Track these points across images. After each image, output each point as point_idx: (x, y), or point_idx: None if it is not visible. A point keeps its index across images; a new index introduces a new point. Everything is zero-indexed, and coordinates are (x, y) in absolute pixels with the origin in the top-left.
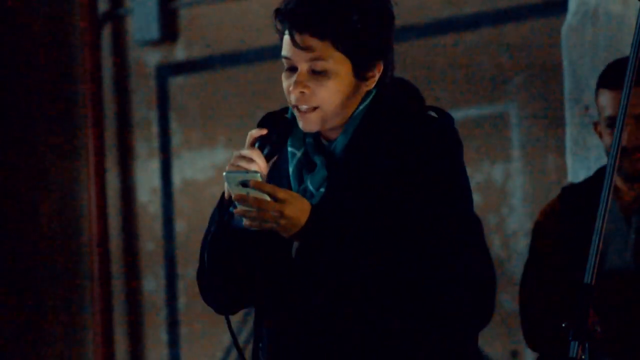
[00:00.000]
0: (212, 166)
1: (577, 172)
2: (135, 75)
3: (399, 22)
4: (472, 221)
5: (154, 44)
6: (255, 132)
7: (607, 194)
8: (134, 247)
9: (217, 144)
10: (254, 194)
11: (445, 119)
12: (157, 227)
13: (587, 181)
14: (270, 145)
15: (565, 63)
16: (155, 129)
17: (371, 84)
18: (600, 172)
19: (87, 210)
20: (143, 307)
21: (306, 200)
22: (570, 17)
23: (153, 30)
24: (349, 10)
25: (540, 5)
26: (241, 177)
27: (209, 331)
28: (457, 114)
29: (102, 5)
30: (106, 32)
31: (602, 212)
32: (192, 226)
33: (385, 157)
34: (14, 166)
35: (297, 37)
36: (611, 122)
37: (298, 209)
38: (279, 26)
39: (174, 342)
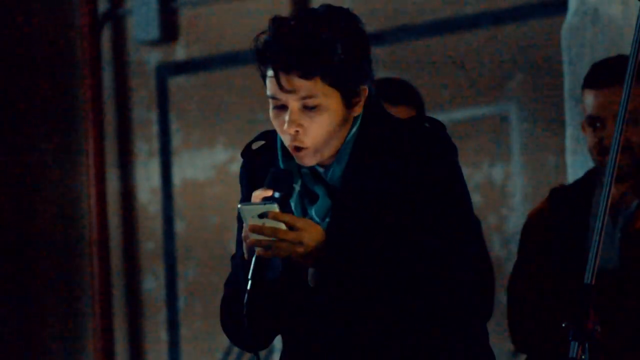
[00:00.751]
0: (212, 166)
1: (577, 172)
2: (135, 75)
3: (399, 22)
4: (472, 223)
5: (154, 44)
6: (260, 194)
7: (607, 193)
8: (134, 247)
9: (217, 144)
10: (270, 224)
11: (435, 126)
12: (157, 227)
13: (577, 183)
14: (277, 202)
15: (565, 63)
16: (155, 129)
17: (358, 110)
18: (589, 174)
19: (87, 210)
20: (143, 307)
21: (319, 227)
22: (570, 17)
23: (153, 30)
24: (333, 44)
25: (540, 5)
26: (258, 209)
27: (209, 331)
28: (457, 114)
29: (102, 5)
30: (106, 32)
31: (602, 212)
32: (192, 226)
33: (382, 176)
34: (14, 166)
35: (285, 79)
36: (592, 121)
37: (314, 236)
38: (262, 68)
39: (174, 342)
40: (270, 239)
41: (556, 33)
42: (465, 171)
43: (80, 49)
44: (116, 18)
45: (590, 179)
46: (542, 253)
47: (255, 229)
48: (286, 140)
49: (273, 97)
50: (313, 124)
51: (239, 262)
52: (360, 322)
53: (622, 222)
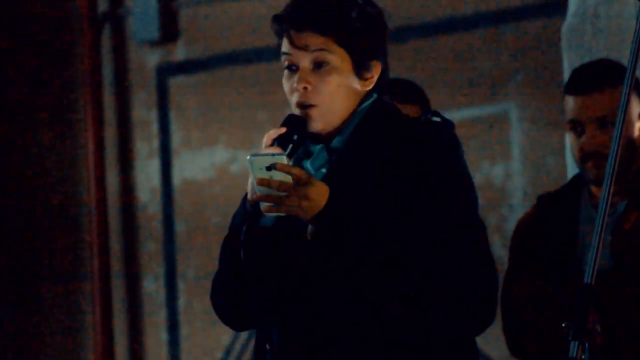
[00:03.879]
0: (212, 166)
1: (577, 172)
2: (135, 75)
3: (399, 22)
4: (468, 220)
5: (154, 44)
6: (273, 133)
7: (607, 194)
8: (134, 247)
9: (217, 144)
10: (277, 177)
11: (445, 123)
12: (157, 227)
13: (563, 188)
14: (292, 144)
15: (565, 63)
16: (155, 129)
17: (369, 85)
18: (576, 179)
19: (87, 210)
20: (143, 307)
21: (324, 183)
22: (570, 17)
23: (153, 30)
24: (349, 9)
25: (540, 5)
26: (267, 160)
27: (209, 331)
28: (457, 114)
29: (102, 5)
30: (106, 32)
31: (602, 213)
32: (192, 226)
33: (382, 153)
34: (13, 166)
35: (298, 36)
36: (573, 125)
37: (320, 192)
38: (278, 28)
39: (174, 342)
40: (278, 193)
41: (556, 33)
42: None
43: (80, 49)
44: (116, 18)
45: (577, 185)
46: (532, 259)
47: (262, 183)
48: (293, 100)
49: (285, 53)
50: (321, 83)
51: (234, 218)
52: (354, 287)
53: (611, 223)
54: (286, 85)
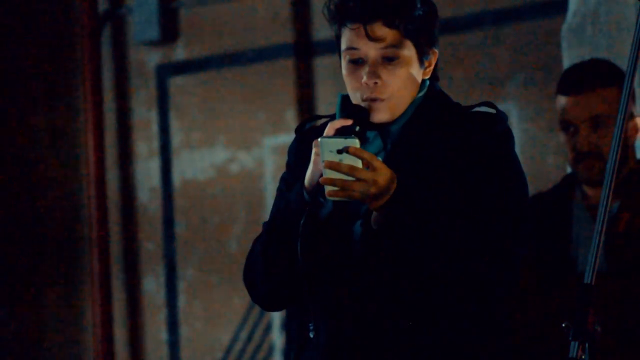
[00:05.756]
0: (212, 166)
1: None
2: (135, 75)
3: None
4: (513, 209)
5: (154, 44)
6: (337, 123)
7: (607, 194)
8: (134, 247)
9: (217, 144)
10: (347, 161)
11: (499, 114)
12: (157, 227)
13: (554, 189)
14: (353, 135)
15: (565, 63)
16: (155, 129)
17: (428, 73)
18: (566, 180)
19: (87, 210)
20: (143, 307)
21: (392, 171)
22: (570, 17)
23: (153, 30)
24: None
25: (540, 5)
26: (339, 143)
27: (209, 331)
28: None
29: (102, 5)
30: (106, 32)
31: (602, 213)
32: (192, 226)
33: (437, 143)
34: (14, 166)
35: (369, 28)
36: (565, 125)
37: (389, 178)
38: (341, 19)
39: (174, 342)
40: (346, 177)
41: (556, 33)
42: None
43: (80, 49)
44: (116, 18)
45: (568, 185)
46: (525, 259)
47: (331, 166)
48: (363, 94)
49: (351, 48)
50: (392, 77)
51: (287, 205)
52: (411, 274)
53: (605, 224)
54: (350, 79)
